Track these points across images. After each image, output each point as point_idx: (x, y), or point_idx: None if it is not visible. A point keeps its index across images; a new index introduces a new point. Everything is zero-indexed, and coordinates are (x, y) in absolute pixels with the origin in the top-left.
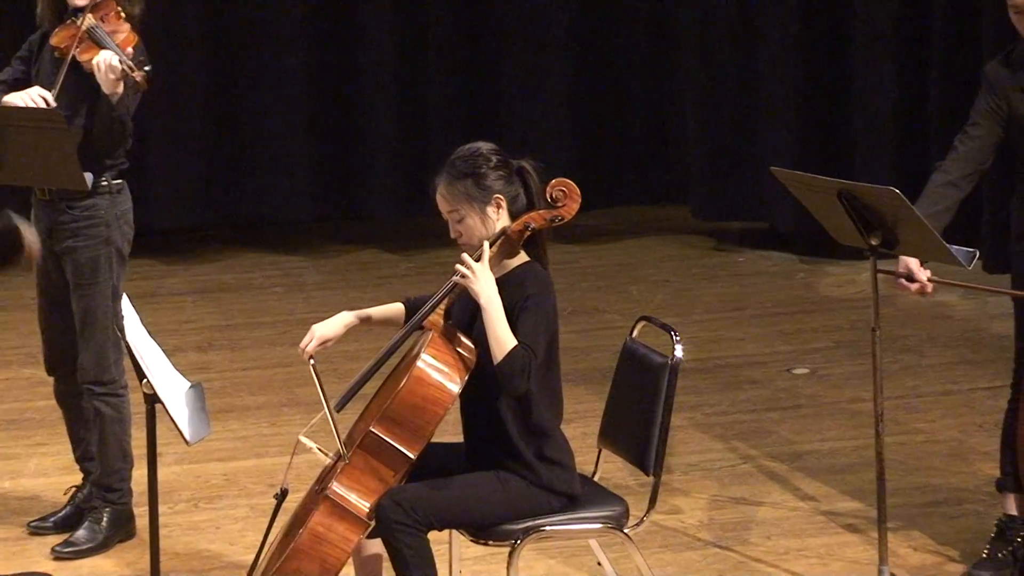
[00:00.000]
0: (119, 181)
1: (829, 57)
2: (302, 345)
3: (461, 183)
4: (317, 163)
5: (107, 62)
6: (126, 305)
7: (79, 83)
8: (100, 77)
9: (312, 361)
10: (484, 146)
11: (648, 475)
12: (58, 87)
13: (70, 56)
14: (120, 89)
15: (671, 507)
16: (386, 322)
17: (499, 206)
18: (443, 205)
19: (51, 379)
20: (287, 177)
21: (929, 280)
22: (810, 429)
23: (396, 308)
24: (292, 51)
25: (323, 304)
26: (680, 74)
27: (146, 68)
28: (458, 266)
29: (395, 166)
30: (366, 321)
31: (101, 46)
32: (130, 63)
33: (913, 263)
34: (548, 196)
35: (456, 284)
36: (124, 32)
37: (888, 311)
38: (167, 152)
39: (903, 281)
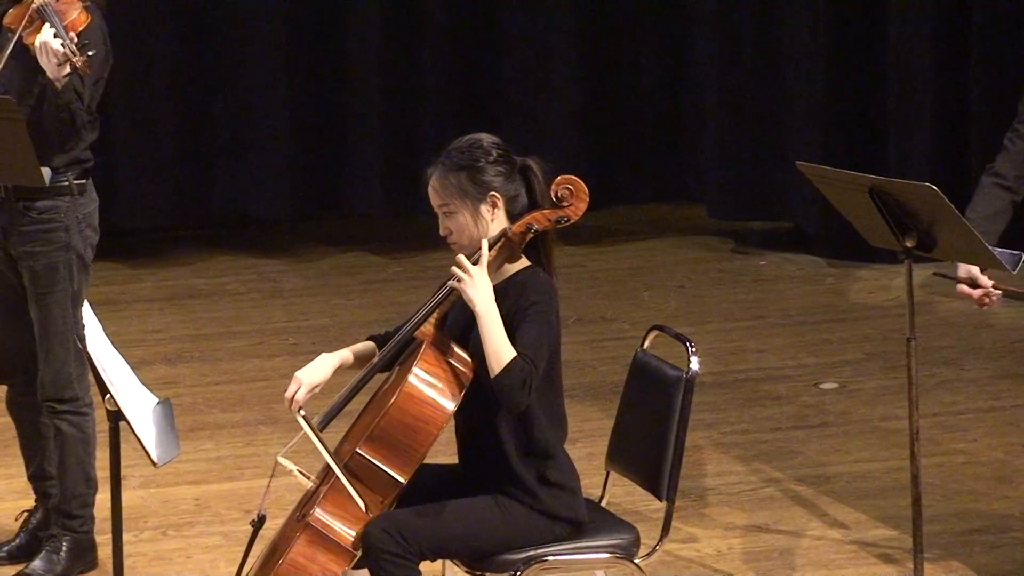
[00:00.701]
0: (83, 180)
1: (861, 41)
2: (289, 395)
3: (455, 176)
4: (298, 156)
5: (47, 44)
6: (87, 313)
7: (29, 67)
8: (41, 61)
9: (302, 412)
10: (486, 138)
11: (661, 500)
12: None
13: (15, 37)
14: (65, 74)
15: (686, 535)
16: (360, 362)
17: (495, 205)
18: (434, 198)
19: (2, 389)
20: (265, 171)
21: (995, 287)
22: (839, 449)
23: (367, 347)
24: (269, 33)
25: (304, 312)
26: (696, 58)
27: (90, 53)
28: (454, 268)
29: (384, 159)
30: (345, 362)
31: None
32: (73, 47)
33: (975, 267)
34: (553, 195)
35: (452, 290)
36: (75, 12)
37: (925, 319)
38: (132, 144)
39: (964, 287)
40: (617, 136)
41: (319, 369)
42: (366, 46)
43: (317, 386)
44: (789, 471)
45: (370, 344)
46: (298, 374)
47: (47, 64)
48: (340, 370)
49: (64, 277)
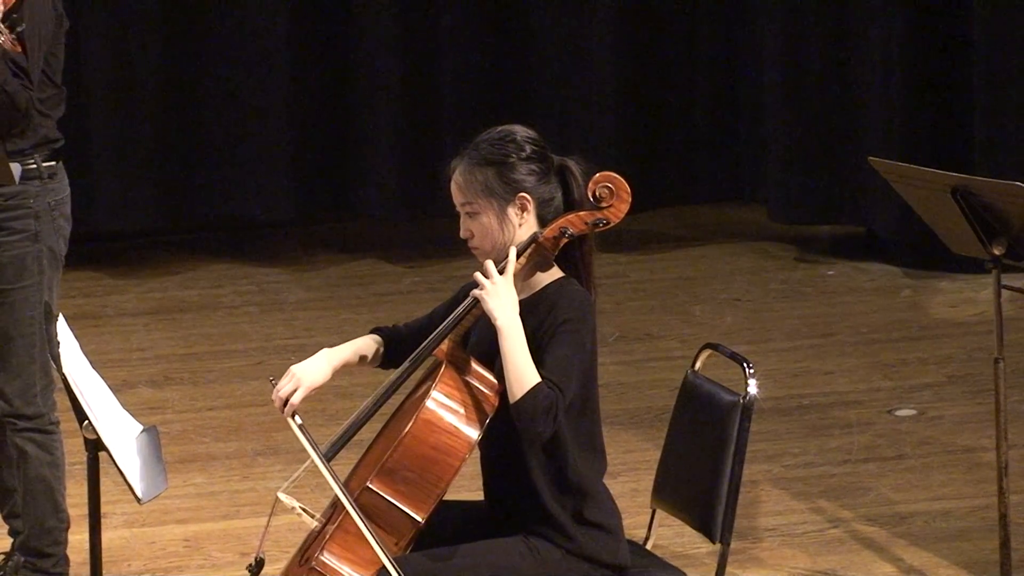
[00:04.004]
0: (52, 163)
1: (943, 18)
2: (283, 394)
3: (482, 171)
4: (302, 151)
5: None
6: (63, 329)
7: None
8: None
9: (298, 420)
10: (520, 131)
11: (715, 542)
12: None
13: None
14: None
15: None
16: (361, 361)
17: (524, 208)
18: (456, 195)
19: None
20: (264, 168)
21: None
22: (917, 485)
23: (368, 343)
24: (271, 15)
25: (308, 328)
26: (756, 40)
27: (19, 29)
28: (477, 274)
29: (398, 156)
30: (348, 362)
31: None
32: None
33: None
34: (591, 195)
35: (476, 302)
36: None
37: (1015, 338)
38: (113, 134)
39: None
40: (664, 128)
41: (320, 368)
42: (379, 28)
43: (316, 388)
44: (859, 510)
45: (375, 340)
46: (295, 370)
47: None
48: (340, 371)
49: (32, 272)
